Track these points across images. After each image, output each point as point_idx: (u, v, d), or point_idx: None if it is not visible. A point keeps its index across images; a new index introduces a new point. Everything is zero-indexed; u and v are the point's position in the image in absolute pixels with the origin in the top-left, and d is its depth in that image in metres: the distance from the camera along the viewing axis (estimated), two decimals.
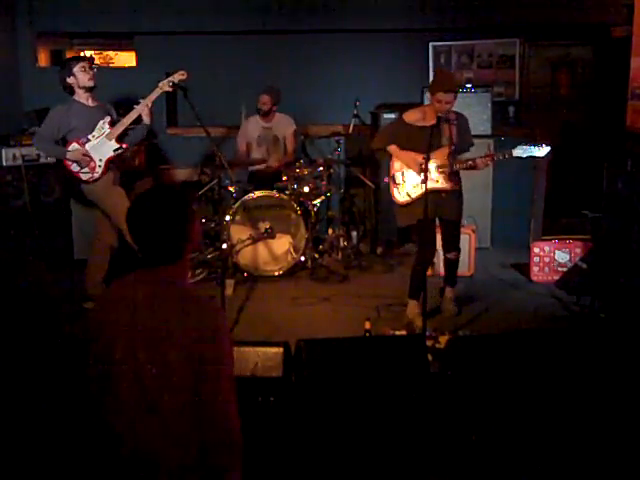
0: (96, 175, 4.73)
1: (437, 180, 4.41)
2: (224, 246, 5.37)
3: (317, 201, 5.90)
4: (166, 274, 2.04)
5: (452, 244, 4.68)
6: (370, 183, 6.33)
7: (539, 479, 2.97)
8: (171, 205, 2.04)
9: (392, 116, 6.36)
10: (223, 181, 5.28)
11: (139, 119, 4.82)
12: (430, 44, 7.19)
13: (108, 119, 4.75)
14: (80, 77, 4.65)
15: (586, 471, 2.95)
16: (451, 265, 4.78)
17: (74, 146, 4.68)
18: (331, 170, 5.93)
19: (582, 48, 7.45)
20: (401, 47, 7.14)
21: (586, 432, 3.05)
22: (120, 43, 7.82)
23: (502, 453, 3.04)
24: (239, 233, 5.68)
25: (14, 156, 5.77)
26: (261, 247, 5.72)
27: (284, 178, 5.82)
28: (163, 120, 6.87)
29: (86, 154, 4.67)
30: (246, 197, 5.66)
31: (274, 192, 5.71)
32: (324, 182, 5.84)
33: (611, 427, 3.06)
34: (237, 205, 5.65)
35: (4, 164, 5.75)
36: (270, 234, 5.68)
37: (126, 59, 8.11)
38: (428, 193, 4.07)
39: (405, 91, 6.83)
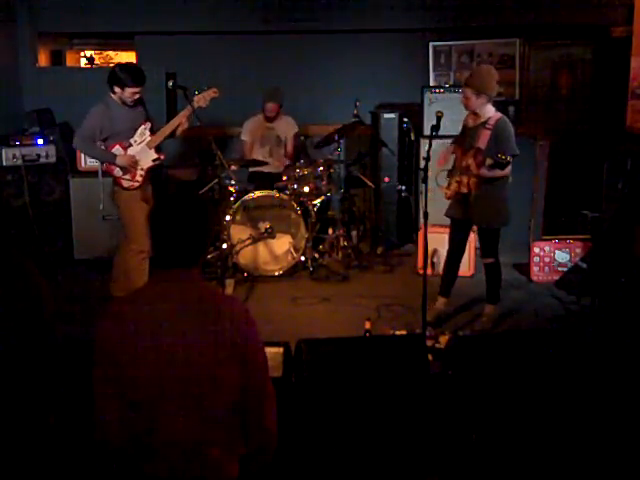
0: (136, 184, 4.64)
1: (459, 181, 4.40)
2: (224, 246, 5.37)
3: (317, 201, 5.90)
4: (185, 276, 2.05)
5: (483, 249, 4.62)
6: (370, 183, 6.33)
7: (539, 479, 2.97)
8: (197, 209, 2.09)
9: (392, 116, 6.39)
10: (223, 181, 5.28)
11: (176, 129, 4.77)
12: (430, 44, 7.18)
13: (149, 125, 4.68)
14: (125, 96, 4.54)
15: (586, 471, 2.95)
16: (486, 273, 4.64)
17: (118, 149, 4.59)
18: (331, 170, 5.93)
19: (582, 48, 7.44)
20: (401, 47, 7.13)
21: (586, 432, 3.05)
22: (120, 43, 7.81)
23: (502, 453, 3.04)
24: (239, 233, 5.68)
25: (14, 156, 5.76)
26: (261, 247, 5.73)
27: (284, 178, 5.82)
28: (163, 120, 6.86)
29: (135, 161, 4.59)
30: (246, 197, 5.66)
31: (274, 192, 5.71)
32: (324, 182, 5.83)
33: (611, 427, 3.06)
34: (237, 205, 5.65)
35: (4, 164, 5.74)
36: (270, 234, 5.69)
37: (126, 59, 8.11)
38: (459, 194, 4.35)
39: (405, 91, 6.83)
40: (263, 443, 2.10)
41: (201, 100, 4.67)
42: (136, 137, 4.64)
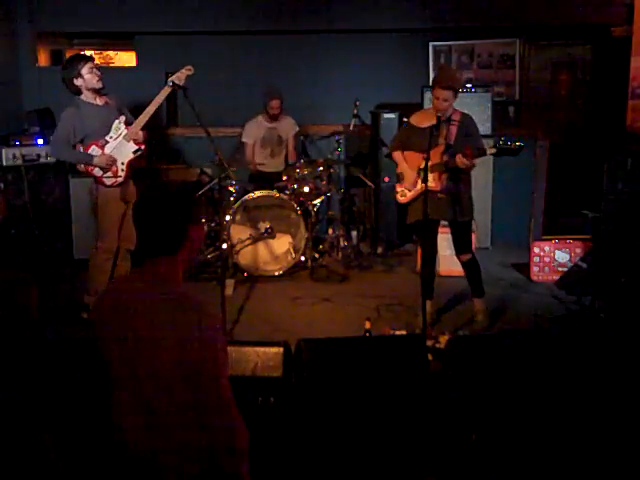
0: (119, 179, 4.57)
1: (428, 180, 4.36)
2: (224, 246, 5.37)
3: (317, 201, 5.90)
4: (160, 272, 2.03)
5: (459, 246, 4.61)
6: (370, 183, 6.33)
7: (539, 479, 2.97)
8: (172, 199, 2.05)
9: (392, 116, 6.39)
10: (223, 181, 5.27)
11: (153, 115, 4.66)
12: (430, 44, 7.19)
13: (123, 119, 4.59)
14: (88, 79, 4.48)
15: (586, 471, 2.95)
16: (467, 270, 4.64)
17: (94, 149, 4.51)
18: (331, 170, 5.93)
19: (582, 48, 7.45)
20: (401, 47, 7.14)
21: (586, 432, 3.05)
22: (120, 43, 7.82)
23: (502, 453, 3.03)
24: (239, 233, 5.68)
25: (14, 156, 5.76)
26: (261, 247, 5.72)
27: (284, 178, 5.82)
28: (162, 117, 6.87)
29: (112, 159, 4.52)
30: (246, 197, 5.66)
31: (274, 192, 5.71)
32: (324, 182, 5.84)
33: (611, 427, 3.06)
34: (237, 205, 5.65)
35: (4, 164, 5.74)
36: (270, 234, 5.69)
37: (126, 59, 8.11)
38: (425, 193, 4.09)
39: (405, 91, 6.83)
40: (221, 445, 1.97)
41: (176, 80, 4.54)
42: (111, 133, 4.56)
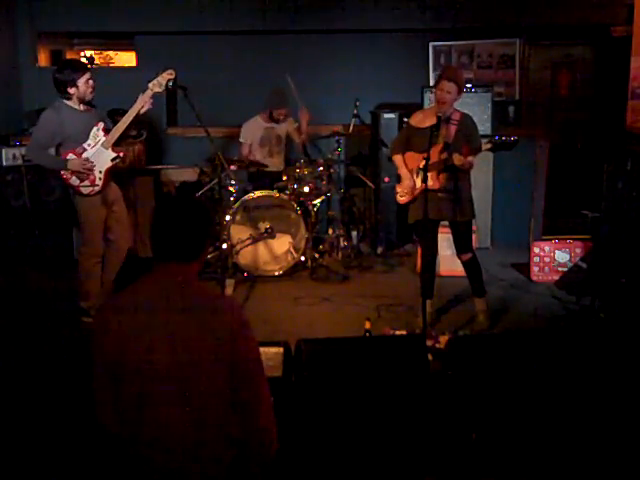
0: (97, 188, 4.46)
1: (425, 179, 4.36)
2: (224, 246, 5.37)
3: (317, 201, 5.90)
4: (183, 272, 2.05)
5: (460, 246, 4.60)
6: (370, 183, 6.33)
7: (539, 479, 2.97)
8: (200, 206, 2.14)
9: (392, 116, 6.39)
10: (223, 181, 5.28)
11: (133, 122, 4.54)
12: (430, 44, 7.20)
13: (101, 125, 4.49)
14: (82, 90, 4.40)
15: (586, 471, 2.95)
16: (468, 270, 4.63)
17: (71, 157, 4.41)
18: (331, 170, 5.93)
19: (582, 48, 7.46)
20: (401, 47, 7.14)
21: (586, 432, 3.05)
22: (120, 43, 7.82)
23: (502, 453, 3.04)
24: (239, 233, 5.68)
25: (14, 156, 5.77)
26: (261, 247, 5.73)
27: (284, 178, 5.82)
28: (163, 120, 6.87)
29: (88, 163, 4.41)
30: (246, 197, 5.66)
31: (274, 192, 5.71)
32: (324, 182, 5.83)
33: (611, 427, 3.06)
34: (237, 205, 5.65)
35: (4, 164, 5.75)
36: (270, 234, 5.69)
37: (126, 59, 8.12)
38: (424, 193, 4.10)
39: (405, 91, 6.83)
40: (258, 444, 2.08)
41: (156, 86, 4.47)
42: (89, 140, 4.44)
